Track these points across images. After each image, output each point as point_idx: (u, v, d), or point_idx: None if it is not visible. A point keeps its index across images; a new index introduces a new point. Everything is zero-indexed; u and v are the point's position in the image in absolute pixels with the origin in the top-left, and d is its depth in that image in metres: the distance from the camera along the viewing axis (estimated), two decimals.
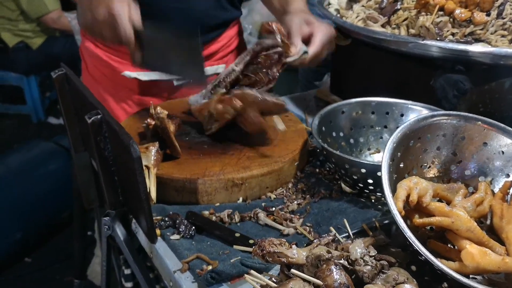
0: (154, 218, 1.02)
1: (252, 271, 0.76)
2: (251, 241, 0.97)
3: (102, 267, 1.22)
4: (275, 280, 0.77)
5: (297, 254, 0.75)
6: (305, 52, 1.29)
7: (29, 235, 2.72)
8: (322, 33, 1.32)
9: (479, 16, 1.24)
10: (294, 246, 0.76)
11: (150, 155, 1.12)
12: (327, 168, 1.22)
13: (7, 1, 3.75)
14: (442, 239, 0.91)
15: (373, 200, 1.11)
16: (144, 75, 1.55)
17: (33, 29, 3.87)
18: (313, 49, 1.30)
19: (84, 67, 1.70)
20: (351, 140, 1.23)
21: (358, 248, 0.76)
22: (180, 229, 1.02)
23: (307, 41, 1.33)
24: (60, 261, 2.74)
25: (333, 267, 0.69)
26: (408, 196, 0.86)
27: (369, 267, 0.73)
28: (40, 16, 3.79)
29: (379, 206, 1.09)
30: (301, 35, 1.32)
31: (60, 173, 2.84)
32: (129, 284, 1.48)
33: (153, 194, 1.07)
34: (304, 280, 0.71)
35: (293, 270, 0.69)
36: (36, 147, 2.97)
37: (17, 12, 3.79)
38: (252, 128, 1.20)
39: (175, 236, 1.02)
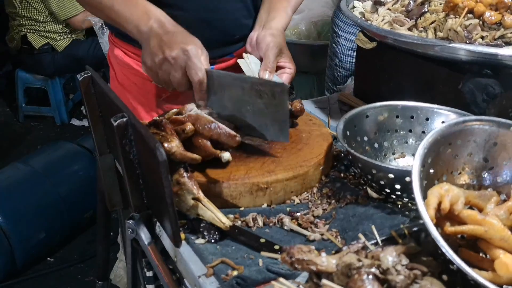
0: (179, 222, 1.00)
1: (281, 279, 0.73)
2: (276, 247, 0.95)
3: (127, 270, 1.21)
4: None
5: (327, 262, 0.72)
6: None
7: (52, 235, 2.74)
8: (289, 75, 1.31)
9: (510, 19, 1.20)
10: (323, 254, 0.74)
11: (188, 187, 1.03)
12: (352, 173, 1.19)
13: (36, 2, 3.78)
14: (474, 247, 0.87)
15: (399, 206, 1.08)
16: None
17: (59, 31, 3.91)
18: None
19: (112, 75, 1.68)
20: (376, 145, 1.20)
21: (390, 257, 0.73)
22: (205, 233, 1.00)
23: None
24: (82, 261, 2.76)
25: (365, 277, 0.66)
26: (439, 204, 0.83)
27: (402, 277, 0.70)
28: (69, 17, 3.81)
29: (407, 212, 1.06)
30: (275, 63, 1.30)
31: (83, 175, 2.86)
32: (151, 287, 1.47)
33: (224, 219, 1.00)
34: None
35: (324, 281, 0.67)
36: (60, 149, 2.99)
37: (45, 13, 3.82)
38: (197, 153, 1.09)
39: (200, 241, 1.00)
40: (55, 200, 2.72)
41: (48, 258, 2.79)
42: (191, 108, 1.19)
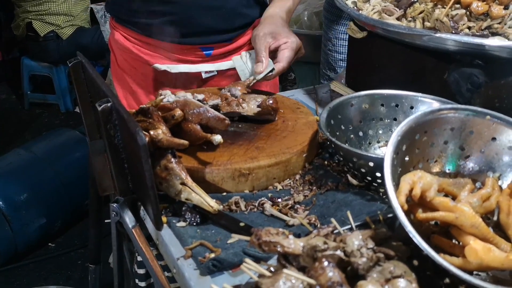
0: (160, 205, 1.02)
1: (248, 260, 0.75)
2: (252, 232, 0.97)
3: (113, 252, 1.24)
4: (272, 270, 0.77)
5: (294, 244, 0.74)
6: (272, 69, 1.35)
7: (53, 221, 2.78)
8: (288, 49, 1.36)
9: (497, 9, 1.20)
10: (291, 236, 0.76)
11: (176, 172, 1.04)
12: (336, 161, 1.20)
13: None
14: (447, 234, 0.89)
15: (381, 194, 1.10)
16: (174, 68, 1.56)
17: (63, 20, 3.93)
18: (280, 66, 1.35)
19: (113, 59, 1.72)
20: (360, 133, 1.22)
21: (356, 240, 0.75)
22: (186, 217, 1.03)
23: (273, 54, 1.37)
24: (82, 247, 2.80)
25: (325, 264, 0.68)
26: (411, 190, 0.85)
27: (364, 259, 0.72)
28: None
29: (387, 200, 1.07)
30: (267, 50, 1.36)
31: (84, 161, 2.87)
32: (141, 271, 1.50)
33: (212, 203, 1.01)
34: (299, 269, 0.70)
35: (285, 270, 0.69)
36: (61, 136, 3.03)
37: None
38: (187, 138, 1.09)
39: (181, 224, 1.03)
40: (56, 186, 2.77)
41: (49, 244, 2.84)
42: (166, 93, 1.21)
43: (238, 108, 1.26)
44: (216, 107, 1.26)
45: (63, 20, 3.93)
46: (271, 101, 1.24)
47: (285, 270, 0.70)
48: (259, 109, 1.26)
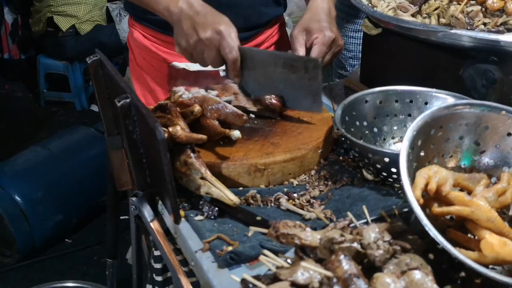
0: (178, 199, 1.04)
1: (267, 252, 0.77)
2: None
3: (132, 246, 1.26)
4: (290, 262, 0.78)
5: (311, 236, 0.76)
6: None
7: (69, 217, 2.82)
8: (319, 44, 1.35)
9: None
10: (308, 229, 0.77)
11: (196, 167, 1.05)
12: (351, 156, 1.21)
13: None
14: (463, 229, 0.89)
15: (396, 189, 1.11)
16: (193, 66, 1.57)
17: (83, 11, 3.97)
18: None
19: (132, 58, 1.74)
20: (375, 129, 1.23)
21: (372, 233, 0.76)
22: (204, 210, 1.05)
23: (309, 51, 1.36)
24: (98, 243, 2.84)
25: (342, 257, 0.69)
26: (427, 185, 0.86)
27: (381, 251, 0.73)
28: None
29: (402, 195, 1.08)
30: (303, 48, 1.36)
31: (99, 158, 2.91)
32: (158, 266, 1.52)
33: (232, 196, 1.03)
34: (316, 261, 0.72)
35: (302, 263, 0.70)
36: (77, 133, 3.07)
37: None
38: (206, 133, 1.11)
39: (199, 217, 1.05)
40: (72, 183, 2.80)
41: (66, 239, 2.88)
42: (179, 90, 1.23)
43: (245, 103, 1.28)
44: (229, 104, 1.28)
45: (83, 11, 3.96)
46: (272, 100, 1.25)
47: (302, 263, 0.71)
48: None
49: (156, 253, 1.51)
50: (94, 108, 4.31)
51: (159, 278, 1.46)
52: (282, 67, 1.25)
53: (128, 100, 1.03)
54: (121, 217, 1.77)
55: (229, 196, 1.02)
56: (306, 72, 1.23)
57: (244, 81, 1.29)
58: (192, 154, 1.08)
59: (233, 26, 1.24)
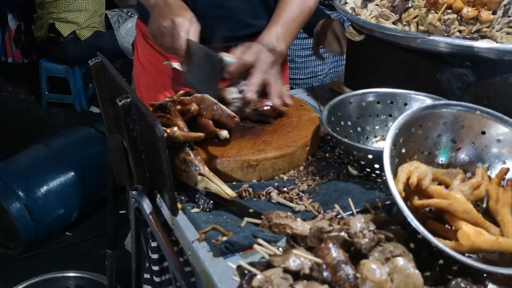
0: (176, 193, 1.04)
1: (261, 241, 0.77)
2: (263, 217, 0.99)
3: (131, 237, 1.25)
4: (281, 250, 0.78)
5: (302, 226, 0.76)
6: None
7: (70, 212, 2.79)
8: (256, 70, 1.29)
9: (486, 14, 1.22)
10: (298, 219, 0.77)
11: (195, 163, 1.05)
12: (337, 153, 1.22)
13: None
14: (441, 220, 0.90)
15: (378, 183, 1.11)
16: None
17: (84, 18, 3.94)
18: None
19: (135, 56, 1.74)
20: (359, 129, 1.23)
21: (358, 223, 0.76)
22: (199, 203, 1.04)
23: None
24: (97, 236, 2.81)
25: (330, 245, 0.69)
26: (408, 179, 0.86)
27: (366, 240, 0.73)
28: None
29: (384, 189, 1.09)
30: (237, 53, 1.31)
31: (98, 156, 2.89)
32: (155, 256, 1.51)
33: (229, 191, 1.03)
34: (306, 249, 0.72)
35: (294, 250, 0.70)
36: (78, 132, 3.04)
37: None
38: (201, 131, 1.11)
39: (195, 210, 1.04)
40: (73, 179, 2.78)
41: (67, 233, 2.86)
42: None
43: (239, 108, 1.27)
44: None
45: (84, 18, 3.93)
46: (267, 108, 1.24)
47: (294, 250, 0.71)
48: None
49: (154, 244, 1.50)
50: (93, 109, 4.28)
51: (156, 268, 1.45)
52: (205, 59, 1.26)
53: (129, 100, 1.03)
54: (120, 212, 1.77)
55: (226, 191, 1.02)
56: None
57: (189, 73, 1.30)
58: (190, 152, 1.07)
59: (193, 21, 1.26)
